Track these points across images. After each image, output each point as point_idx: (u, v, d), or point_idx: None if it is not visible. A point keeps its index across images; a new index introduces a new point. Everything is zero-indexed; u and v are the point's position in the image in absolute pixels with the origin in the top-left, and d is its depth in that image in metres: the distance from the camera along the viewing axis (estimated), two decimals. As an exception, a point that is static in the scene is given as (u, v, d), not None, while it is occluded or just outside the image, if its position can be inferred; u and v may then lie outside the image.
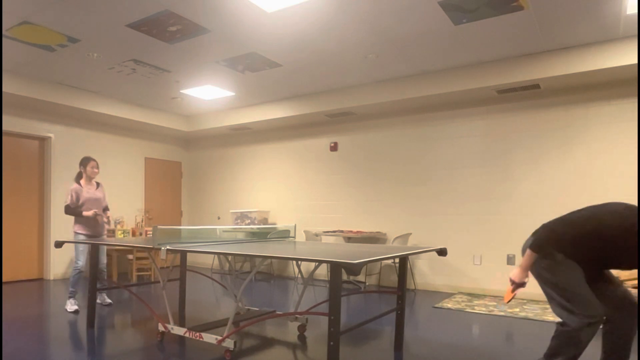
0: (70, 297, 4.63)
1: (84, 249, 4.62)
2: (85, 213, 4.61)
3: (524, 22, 4.21)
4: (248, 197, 8.16)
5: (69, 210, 4.62)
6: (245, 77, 5.91)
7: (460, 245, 5.91)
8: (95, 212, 4.64)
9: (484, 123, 5.84)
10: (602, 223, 2.24)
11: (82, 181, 4.74)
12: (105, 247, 4.99)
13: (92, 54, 5.06)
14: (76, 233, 4.68)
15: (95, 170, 4.76)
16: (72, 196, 4.63)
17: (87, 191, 4.71)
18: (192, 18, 4.13)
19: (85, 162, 4.74)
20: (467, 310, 4.77)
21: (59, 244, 3.82)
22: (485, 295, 5.61)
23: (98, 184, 4.87)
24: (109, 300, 5.00)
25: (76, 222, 4.68)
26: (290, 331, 3.84)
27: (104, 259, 4.84)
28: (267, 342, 3.50)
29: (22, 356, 3.11)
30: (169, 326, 3.40)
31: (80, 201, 4.66)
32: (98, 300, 5.08)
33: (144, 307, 4.80)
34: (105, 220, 4.78)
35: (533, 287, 5.36)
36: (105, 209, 4.89)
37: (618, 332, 2.38)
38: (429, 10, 3.97)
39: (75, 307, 4.56)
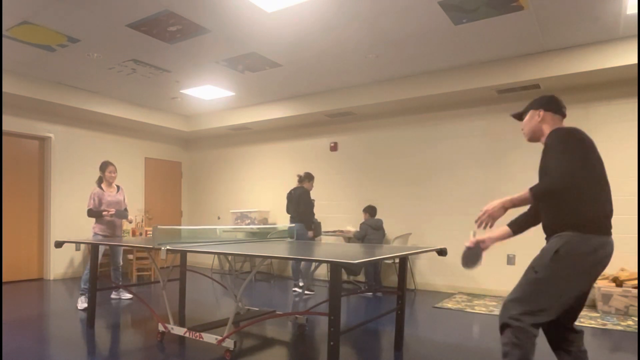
0: (82, 295, 4.78)
1: (102, 250, 4.82)
2: (105, 214, 4.87)
3: (524, 22, 4.21)
4: (248, 197, 8.15)
5: (91, 213, 4.88)
6: (245, 77, 5.91)
7: (460, 245, 5.91)
8: (108, 211, 4.88)
9: (484, 123, 5.83)
10: None
11: (103, 185, 4.99)
12: (121, 249, 5.27)
13: (92, 54, 5.06)
14: (95, 234, 4.93)
15: (113, 174, 5.02)
16: (93, 200, 4.90)
17: (109, 194, 4.96)
18: (192, 18, 4.13)
19: (104, 166, 5.00)
20: (467, 310, 4.77)
21: (59, 244, 3.83)
22: (485, 295, 5.61)
23: (118, 188, 5.14)
24: (128, 295, 5.32)
25: (96, 223, 4.94)
26: (290, 331, 3.85)
27: (120, 260, 5.14)
28: (267, 342, 3.50)
29: (22, 356, 3.11)
30: (169, 326, 3.40)
31: (103, 205, 4.91)
32: (115, 296, 5.33)
33: (144, 307, 4.80)
34: (129, 221, 5.09)
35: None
36: (125, 210, 5.10)
37: None
38: (429, 11, 3.97)
39: (85, 305, 4.65)
